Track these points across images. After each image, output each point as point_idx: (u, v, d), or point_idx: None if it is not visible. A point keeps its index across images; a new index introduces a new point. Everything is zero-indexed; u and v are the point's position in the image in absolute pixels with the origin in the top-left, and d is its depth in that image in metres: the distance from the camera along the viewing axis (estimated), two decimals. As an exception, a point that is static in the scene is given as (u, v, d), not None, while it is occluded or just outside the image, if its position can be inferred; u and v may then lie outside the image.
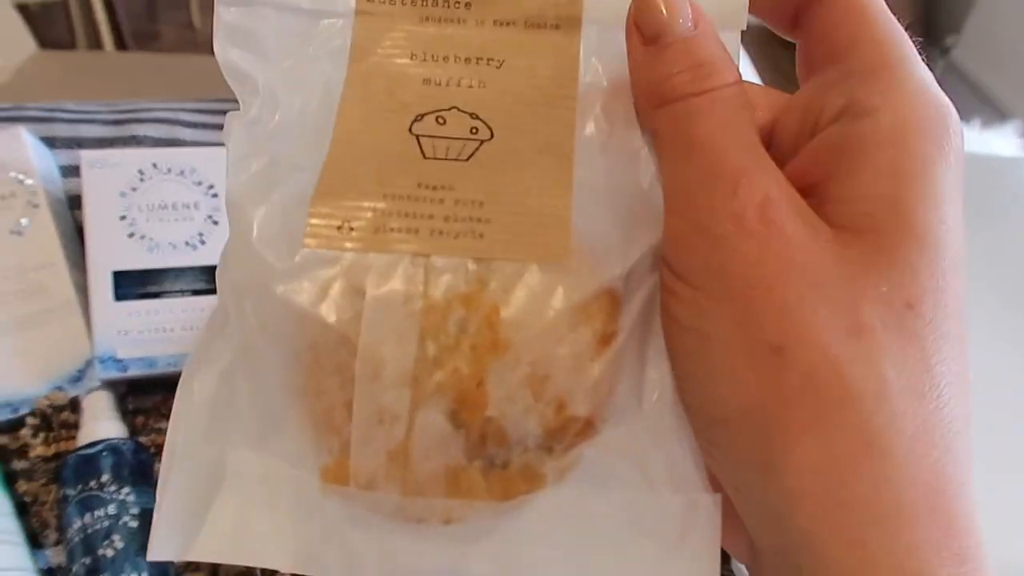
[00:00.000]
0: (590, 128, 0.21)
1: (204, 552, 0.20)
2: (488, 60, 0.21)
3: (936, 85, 0.18)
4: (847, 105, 0.18)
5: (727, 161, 0.17)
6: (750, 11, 0.21)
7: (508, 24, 0.21)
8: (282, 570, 0.21)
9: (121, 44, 1.93)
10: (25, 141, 0.49)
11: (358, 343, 0.18)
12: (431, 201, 0.19)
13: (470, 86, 0.21)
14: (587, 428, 0.20)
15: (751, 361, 0.16)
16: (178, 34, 2.47)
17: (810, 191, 0.17)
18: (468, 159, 0.20)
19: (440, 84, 0.21)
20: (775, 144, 0.20)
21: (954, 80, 2.45)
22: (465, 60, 0.21)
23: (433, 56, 0.21)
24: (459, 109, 0.21)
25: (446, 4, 0.22)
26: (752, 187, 0.17)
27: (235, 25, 0.21)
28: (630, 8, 0.19)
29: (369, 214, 0.19)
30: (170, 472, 0.20)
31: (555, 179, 0.20)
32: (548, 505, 0.20)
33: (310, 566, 0.20)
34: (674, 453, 0.20)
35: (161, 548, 0.20)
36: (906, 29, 0.19)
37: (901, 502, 0.15)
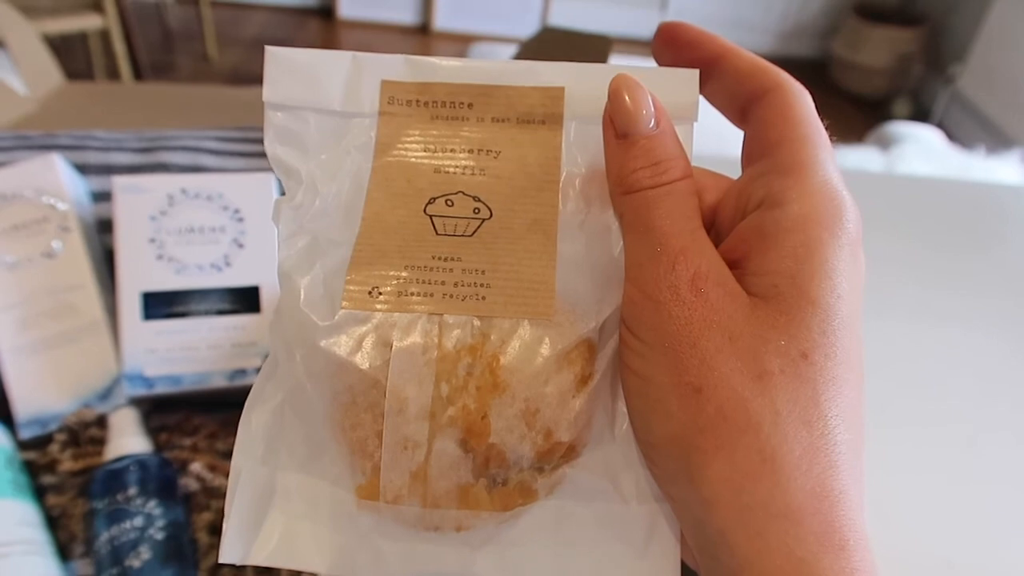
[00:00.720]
0: (570, 208, 0.25)
1: (259, 557, 0.24)
2: (487, 151, 0.26)
3: (838, 181, 0.22)
4: (765, 196, 0.22)
5: (671, 243, 0.22)
6: (712, 103, 0.25)
7: (503, 120, 0.26)
8: (321, 572, 0.25)
9: (138, 75, 1.98)
10: (58, 168, 0.51)
11: (387, 385, 0.23)
12: (443, 270, 0.24)
13: (473, 173, 0.26)
14: (570, 452, 0.24)
15: (677, 399, 0.21)
16: (193, 65, 2.53)
17: (736, 264, 0.22)
18: (472, 235, 0.25)
19: (448, 172, 0.26)
20: (717, 223, 0.24)
21: (958, 108, 2.47)
22: (468, 151, 0.26)
23: (442, 149, 0.26)
24: (464, 193, 0.26)
25: (452, 105, 0.26)
26: (687, 264, 0.21)
27: (281, 126, 0.26)
28: (606, 106, 0.24)
29: (394, 281, 0.24)
30: (235, 489, 0.25)
31: (542, 252, 0.25)
32: (539, 515, 0.25)
33: (345, 568, 0.24)
34: (640, 472, 0.24)
35: (229, 553, 0.24)
36: (827, 128, 0.23)
37: (791, 505, 0.19)
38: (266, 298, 0.49)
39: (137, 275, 0.47)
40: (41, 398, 0.47)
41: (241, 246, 0.49)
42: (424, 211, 0.25)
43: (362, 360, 0.23)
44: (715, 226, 0.24)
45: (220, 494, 0.45)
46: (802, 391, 0.20)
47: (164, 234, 0.48)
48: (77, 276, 0.49)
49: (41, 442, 0.47)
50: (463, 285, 0.24)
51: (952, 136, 1.52)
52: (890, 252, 0.83)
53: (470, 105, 0.26)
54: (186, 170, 0.57)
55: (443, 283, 0.24)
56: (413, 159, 0.26)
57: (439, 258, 0.24)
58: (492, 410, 0.23)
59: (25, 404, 0.47)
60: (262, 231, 0.50)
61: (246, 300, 0.49)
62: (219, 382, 0.48)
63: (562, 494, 0.24)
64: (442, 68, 0.26)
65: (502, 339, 0.23)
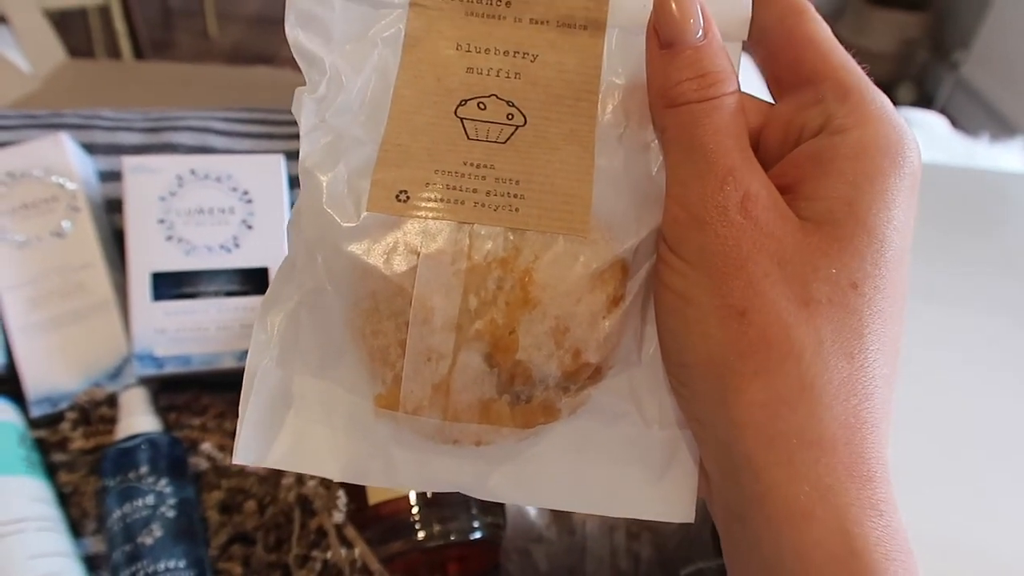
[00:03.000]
0: (608, 120, 0.24)
1: (272, 460, 0.24)
2: (524, 54, 0.25)
3: (894, 110, 0.22)
4: (824, 124, 0.22)
5: (719, 161, 0.21)
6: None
7: (542, 23, 0.25)
8: (333, 478, 0.25)
9: (139, 53, 1.96)
10: (67, 147, 0.51)
11: (413, 294, 0.22)
12: (475, 177, 0.23)
13: (507, 76, 0.24)
14: (596, 373, 0.24)
15: (718, 321, 0.20)
16: (194, 43, 2.51)
17: (787, 189, 0.21)
18: (505, 142, 0.24)
19: (481, 73, 0.24)
20: (762, 148, 0.23)
21: (963, 95, 2.46)
22: (504, 53, 0.25)
23: (476, 48, 0.25)
24: (497, 97, 0.24)
25: (488, 3, 0.25)
26: (737, 184, 0.21)
27: (305, 10, 0.24)
28: (651, 15, 0.22)
29: (422, 186, 0.23)
30: (250, 392, 0.24)
31: (579, 165, 0.24)
32: (560, 434, 0.24)
33: (358, 475, 0.25)
34: (665, 398, 0.24)
35: (243, 455, 0.24)
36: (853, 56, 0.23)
37: (824, 434, 0.19)
38: (275, 280, 0.49)
39: (147, 255, 0.48)
40: (51, 377, 0.48)
41: (250, 227, 0.49)
42: (455, 113, 0.24)
43: (387, 266, 0.22)
44: (759, 151, 0.23)
45: (230, 473, 0.45)
46: (847, 322, 0.20)
47: (173, 215, 0.48)
48: (86, 255, 0.50)
49: (52, 420, 0.48)
50: (495, 195, 0.23)
51: (956, 123, 1.52)
52: None
53: (508, 4, 0.24)
54: (193, 150, 0.57)
55: (475, 191, 0.23)
56: (444, 56, 0.24)
57: (471, 164, 0.23)
58: (521, 326, 0.22)
59: (36, 383, 0.48)
60: (271, 213, 0.50)
61: (255, 281, 0.49)
62: (228, 363, 0.48)
63: (585, 415, 0.24)
64: None
65: (535, 254, 0.22)
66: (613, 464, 0.24)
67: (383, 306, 0.23)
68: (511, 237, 0.23)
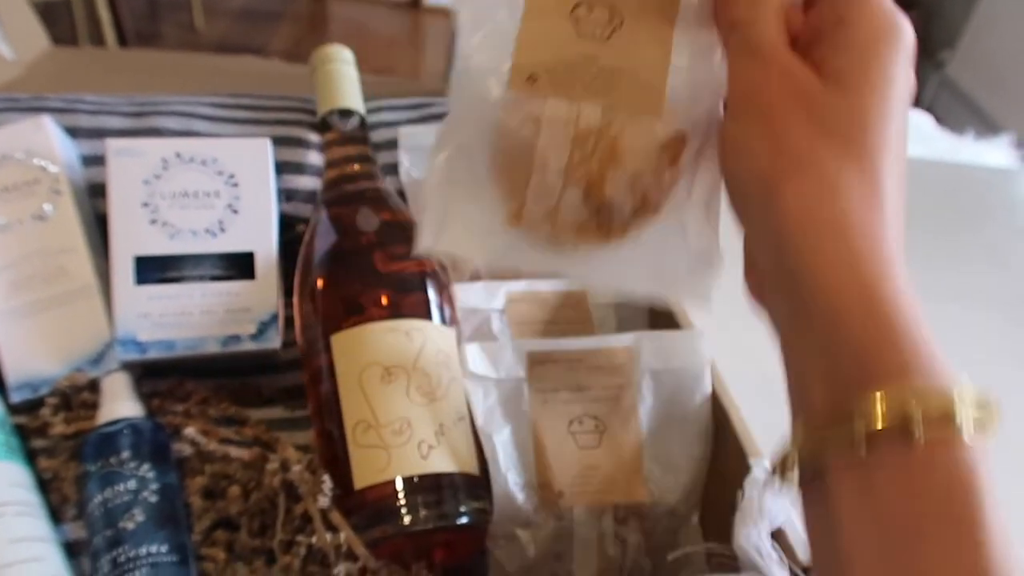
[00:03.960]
0: (682, 27, 0.33)
1: (441, 246, 0.34)
2: None
3: (890, 3, 0.29)
4: (839, 18, 0.29)
5: (765, 55, 0.29)
6: None
7: None
8: (480, 264, 0.40)
9: (123, 43, 1.94)
10: (49, 130, 0.51)
11: (537, 148, 0.32)
12: (583, 67, 0.33)
13: None
14: (656, 208, 0.33)
15: (766, 146, 0.28)
16: (180, 35, 2.49)
17: (809, 58, 0.29)
18: (608, 38, 0.33)
19: None
20: (790, 30, 0.31)
21: (948, 94, 2.48)
22: None
23: None
24: (601, 3, 0.33)
25: None
26: (779, 67, 0.29)
27: None
28: None
29: (547, 71, 0.32)
30: (426, 203, 0.34)
31: (659, 62, 0.33)
32: (629, 245, 0.34)
33: (497, 261, 0.35)
34: (703, 227, 0.34)
35: (422, 245, 0.33)
36: None
37: (849, 220, 0.26)
38: (260, 265, 0.49)
39: (130, 239, 0.47)
40: (32, 362, 0.47)
41: (236, 212, 0.49)
42: (571, 13, 0.33)
43: (520, 129, 0.32)
44: (797, 38, 0.31)
45: (213, 459, 0.45)
46: (863, 150, 0.27)
47: (158, 198, 0.48)
48: (68, 239, 0.49)
49: (32, 406, 0.47)
50: (598, 79, 0.32)
51: (941, 122, 1.53)
52: None
53: None
54: (179, 135, 0.56)
55: (583, 76, 0.32)
56: None
57: (582, 55, 0.33)
58: (608, 175, 0.32)
59: (16, 368, 0.47)
60: (257, 197, 0.50)
61: (240, 266, 0.49)
62: (212, 348, 0.48)
63: (647, 234, 0.34)
64: None
65: (622, 126, 0.32)
66: (662, 262, 0.34)
67: (516, 156, 0.33)
68: (606, 113, 0.32)
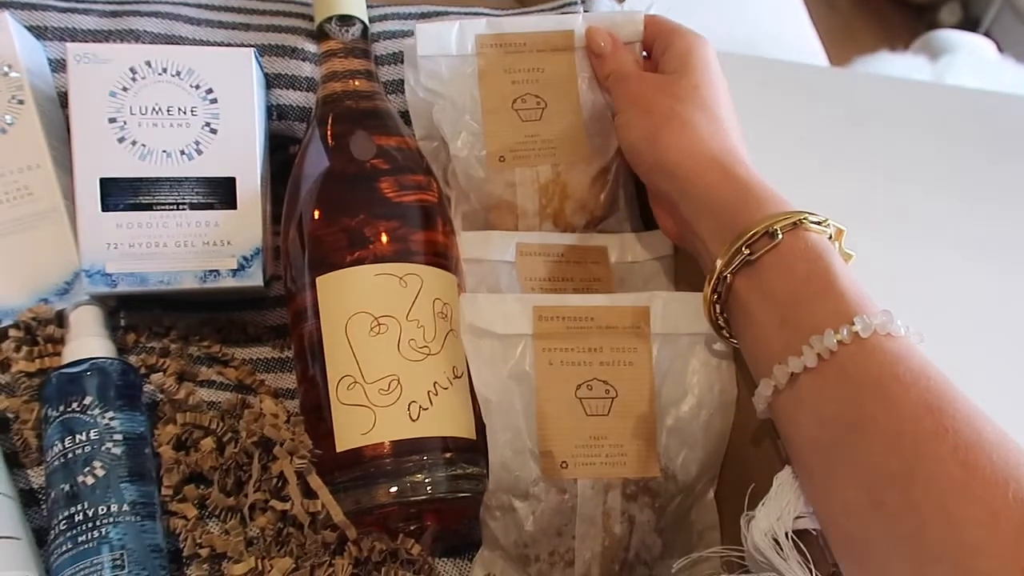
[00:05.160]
0: (583, 95, 0.48)
1: None
2: (538, 70, 0.49)
3: (684, 29, 0.47)
4: (664, 48, 0.47)
5: (633, 75, 0.46)
6: None
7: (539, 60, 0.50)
8: None
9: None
10: (9, 28, 0.45)
11: (516, 202, 0.47)
12: (532, 144, 0.48)
13: (534, 79, 0.49)
14: (601, 218, 0.49)
15: (643, 117, 0.43)
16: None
17: (659, 70, 0.46)
18: (540, 119, 0.48)
19: (519, 83, 0.49)
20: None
21: (1009, 17, 2.31)
22: (529, 69, 0.49)
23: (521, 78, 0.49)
24: (532, 95, 0.49)
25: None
26: (640, 76, 0.46)
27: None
28: (587, 42, 0.49)
29: (509, 151, 0.47)
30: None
31: (577, 126, 0.48)
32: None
33: None
34: (635, 223, 0.50)
35: None
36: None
37: (710, 146, 0.40)
38: (242, 192, 0.44)
39: (95, 159, 0.42)
40: (-6, 290, 0.43)
41: (214, 131, 0.43)
42: (512, 106, 0.48)
43: (503, 192, 0.46)
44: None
45: (187, 407, 0.41)
46: (697, 100, 0.42)
47: (126, 113, 0.42)
48: (32, 155, 0.44)
49: (-6, 338, 0.43)
50: (544, 150, 0.47)
51: (1002, 47, 1.41)
52: (939, 166, 0.79)
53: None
54: (159, 40, 0.50)
55: (533, 148, 0.47)
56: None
57: (527, 135, 0.47)
58: (566, 207, 0.47)
59: (-24, 296, 0.43)
60: (238, 115, 0.44)
61: (220, 193, 0.43)
62: (189, 283, 0.43)
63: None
64: None
65: (567, 173, 0.46)
66: None
67: (504, 210, 0.46)
68: (554, 168, 0.47)
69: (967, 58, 1.16)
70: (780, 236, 0.34)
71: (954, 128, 0.84)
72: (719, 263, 0.36)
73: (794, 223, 0.34)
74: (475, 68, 0.47)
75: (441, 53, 0.48)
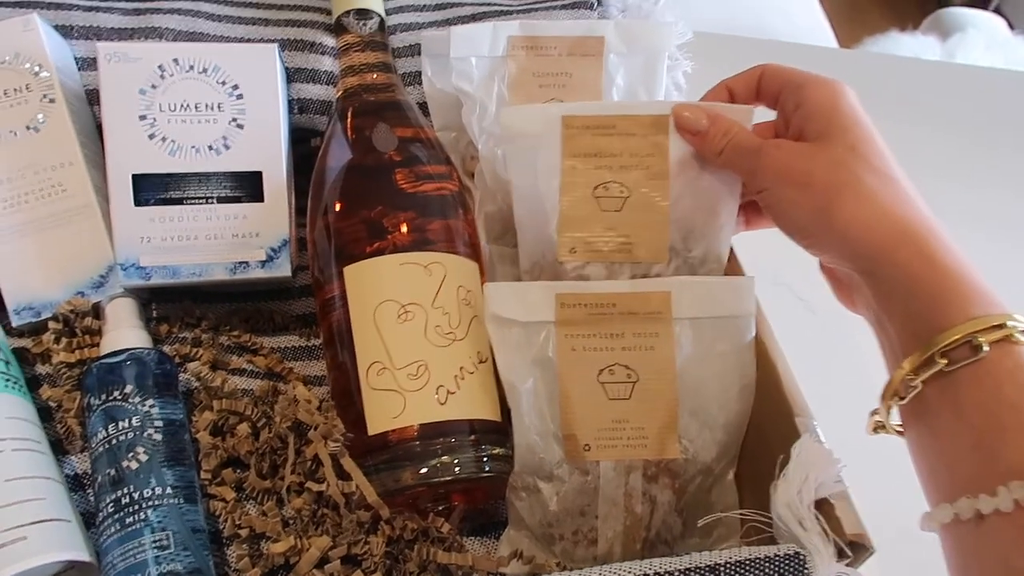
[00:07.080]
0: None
1: None
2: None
3: (815, 76, 0.40)
4: (796, 105, 0.40)
5: (763, 148, 0.39)
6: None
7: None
8: None
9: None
10: (39, 29, 0.46)
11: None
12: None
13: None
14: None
15: (802, 193, 0.37)
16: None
17: (797, 137, 0.39)
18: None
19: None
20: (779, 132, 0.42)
21: (1022, -7, 2.28)
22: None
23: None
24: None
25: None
26: (776, 146, 0.39)
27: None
28: (677, 124, 0.42)
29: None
30: None
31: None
32: None
33: None
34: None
35: None
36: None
37: (890, 214, 0.35)
38: (269, 185, 0.45)
39: (127, 155, 0.43)
40: (32, 284, 0.45)
41: (240, 127, 0.44)
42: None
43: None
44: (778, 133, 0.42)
45: (222, 394, 0.43)
46: (862, 163, 0.36)
47: (156, 110, 0.43)
48: (64, 152, 0.45)
49: (35, 330, 0.45)
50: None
51: (1013, 23, 1.41)
52: (949, 146, 0.78)
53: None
54: (181, 37, 0.51)
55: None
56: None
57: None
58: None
59: (16, 290, 0.44)
60: (264, 110, 0.45)
61: (247, 186, 0.45)
62: (219, 274, 0.45)
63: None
64: None
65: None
66: None
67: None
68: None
69: (978, 36, 1.15)
70: (985, 350, 0.30)
71: (966, 108, 0.84)
72: (907, 365, 0.32)
73: (1002, 337, 0.30)
74: (505, 71, 0.49)
75: (473, 54, 0.48)
